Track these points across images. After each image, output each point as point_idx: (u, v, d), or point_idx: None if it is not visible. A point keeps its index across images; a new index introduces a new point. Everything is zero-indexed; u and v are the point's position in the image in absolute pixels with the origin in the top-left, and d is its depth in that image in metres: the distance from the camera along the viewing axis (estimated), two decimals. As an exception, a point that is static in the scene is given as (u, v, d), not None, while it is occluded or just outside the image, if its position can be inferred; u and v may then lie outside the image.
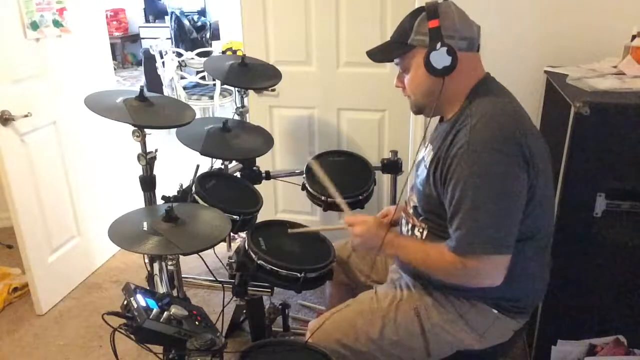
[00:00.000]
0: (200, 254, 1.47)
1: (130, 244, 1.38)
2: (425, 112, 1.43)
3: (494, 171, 1.20)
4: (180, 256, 1.62)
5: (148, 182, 1.82)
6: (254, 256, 1.62)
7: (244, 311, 2.23)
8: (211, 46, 6.64)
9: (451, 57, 1.25)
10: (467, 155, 1.22)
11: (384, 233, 1.38)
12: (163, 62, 5.18)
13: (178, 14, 7.01)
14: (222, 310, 1.71)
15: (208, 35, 7.19)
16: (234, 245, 2.63)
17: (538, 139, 1.30)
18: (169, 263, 1.66)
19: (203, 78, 5.20)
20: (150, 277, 1.83)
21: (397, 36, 1.35)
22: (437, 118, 1.46)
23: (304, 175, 2.09)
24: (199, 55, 5.27)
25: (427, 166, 1.35)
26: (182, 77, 5.20)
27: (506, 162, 1.20)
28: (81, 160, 2.68)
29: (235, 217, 1.76)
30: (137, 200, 1.92)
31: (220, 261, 1.95)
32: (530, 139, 1.24)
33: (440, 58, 1.26)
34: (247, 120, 2.44)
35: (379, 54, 1.39)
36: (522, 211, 1.23)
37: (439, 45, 1.25)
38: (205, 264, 1.71)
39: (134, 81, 7.74)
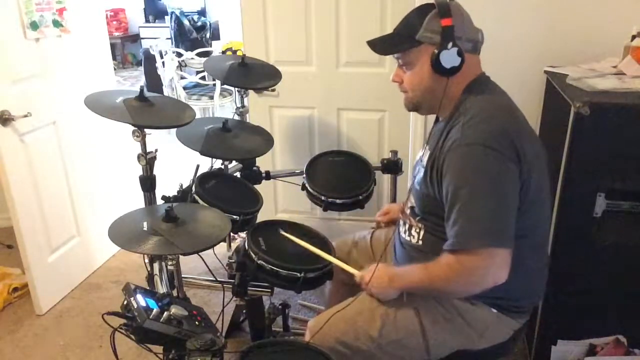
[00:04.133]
0: (200, 254, 1.47)
1: (130, 244, 1.38)
2: (420, 110, 1.43)
3: (486, 166, 1.20)
4: (180, 256, 1.61)
5: (148, 182, 1.82)
6: (254, 256, 1.61)
7: (244, 311, 2.23)
8: (211, 46, 6.64)
9: (460, 58, 1.25)
10: (460, 150, 1.22)
11: (389, 269, 1.40)
12: (163, 62, 5.18)
13: (178, 14, 7.01)
14: (222, 310, 1.71)
15: (208, 35, 7.19)
16: (234, 245, 2.62)
17: (531, 136, 1.30)
18: (169, 263, 1.66)
19: (203, 78, 5.19)
20: (150, 277, 1.83)
21: (404, 30, 1.33)
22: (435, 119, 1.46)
23: (304, 175, 2.09)
24: (199, 55, 5.27)
25: (424, 165, 1.36)
26: (182, 77, 5.20)
27: (498, 158, 1.20)
28: (81, 160, 2.68)
29: (235, 217, 1.76)
30: (137, 200, 1.91)
31: (220, 261, 1.95)
32: (523, 136, 1.24)
33: (449, 58, 1.25)
34: (247, 120, 2.44)
35: (382, 46, 1.37)
36: (517, 205, 1.23)
37: (450, 44, 1.25)
38: (205, 264, 1.70)
39: (134, 81, 7.73)
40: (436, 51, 1.26)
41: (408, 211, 1.45)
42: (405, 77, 1.36)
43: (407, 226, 1.46)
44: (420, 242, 1.41)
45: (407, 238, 1.45)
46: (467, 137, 1.22)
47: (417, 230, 1.41)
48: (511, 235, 1.22)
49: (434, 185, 1.31)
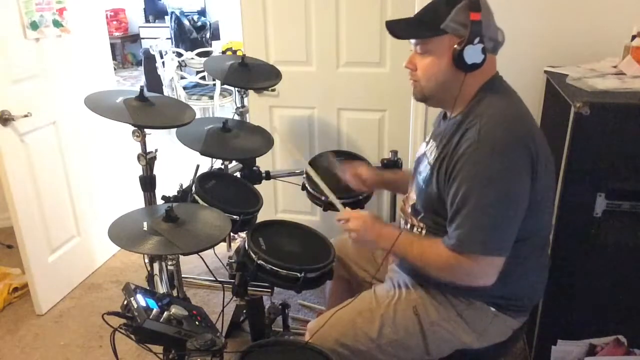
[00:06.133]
0: (200, 254, 1.47)
1: (130, 244, 1.38)
2: (429, 101, 1.39)
3: (500, 175, 1.20)
4: (180, 256, 1.62)
5: (148, 182, 1.83)
6: (254, 256, 1.61)
7: (244, 311, 2.23)
8: (211, 46, 6.64)
9: (484, 55, 1.23)
10: (475, 156, 1.21)
11: (379, 226, 1.39)
12: (163, 62, 5.18)
13: (178, 14, 7.00)
14: (222, 310, 1.71)
15: (208, 35, 7.19)
16: (234, 245, 2.63)
17: (543, 141, 1.29)
18: (169, 263, 1.66)
19: (203, 78, 5.19)
20: (150, 277, 1.83)
21: (428, 16, 1.27)
22: (437, 114, 1.45)
23: (304, 176, 2.09)
24: (199, 55, 5.27)
25: (431, 164, 1.35)
26: (182, 77, 5.20)
27: (513, 166, 1.20)
28: (81, 160, 2.68)
29: (235, 217, 1.76)
30: (137, 200, 1.92)
31: (220, 261, 1.95)
32: (537, 142, 1.24)
33: (473, 53, 1.22)
34: (247, 120, 2.44)
35: (404, 29, 1.31)
36: (522, 215, 1.23)
37: (477, 40, 1.21)
38: (205, 264, 1.70)
39: (134, 81, 7.73)
40: (458, 46, 1.22)
41: (409, 210, 1.45)
42: (421, 65, 1.31)
43: (408, 225, 1.45)
44: (422, 242, 1.40)
45: (408, 237, 1.45)
46: (483, 143, 1.20)
47: (419, 230, 1.41)
48: (510, 244, 1.23)
49: (440, 185, 1.30)
